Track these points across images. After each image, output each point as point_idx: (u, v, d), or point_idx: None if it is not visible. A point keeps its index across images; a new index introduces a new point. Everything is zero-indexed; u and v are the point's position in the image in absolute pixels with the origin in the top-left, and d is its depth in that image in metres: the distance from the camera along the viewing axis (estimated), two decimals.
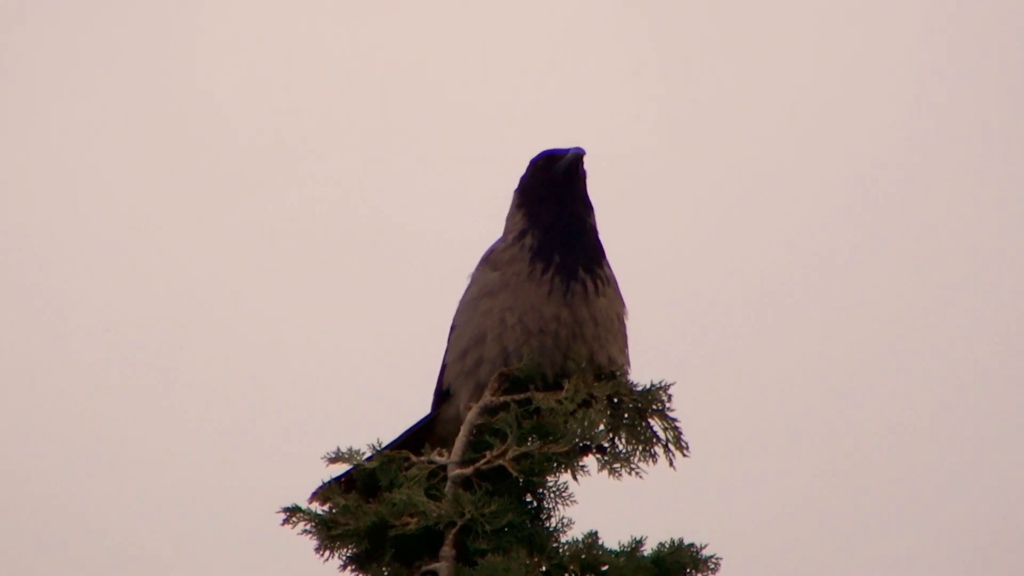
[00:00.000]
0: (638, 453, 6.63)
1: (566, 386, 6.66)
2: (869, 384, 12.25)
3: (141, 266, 12.84)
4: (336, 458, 6.67)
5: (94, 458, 11.72)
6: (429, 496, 6.51)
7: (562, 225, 6.96)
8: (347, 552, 6.58)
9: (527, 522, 6.54)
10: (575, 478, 6.58)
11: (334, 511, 6.58)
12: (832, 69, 13.68)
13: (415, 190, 13.09)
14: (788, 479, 11.41)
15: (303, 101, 13.76)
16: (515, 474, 6.51)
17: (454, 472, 6.55)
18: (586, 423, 6.57)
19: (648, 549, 6.48)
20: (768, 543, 10.84)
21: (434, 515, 6.43)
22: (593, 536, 6.49)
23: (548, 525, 6.58)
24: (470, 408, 6.70)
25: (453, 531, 6.44)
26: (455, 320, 6.97)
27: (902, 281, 12.90)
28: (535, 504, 6.60)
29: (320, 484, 6.71)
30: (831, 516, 11.39)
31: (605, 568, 6.45)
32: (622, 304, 6.96)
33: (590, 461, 6.61)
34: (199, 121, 13.53)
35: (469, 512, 6.43)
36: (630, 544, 6.47)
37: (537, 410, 6.63)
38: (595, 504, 6.67)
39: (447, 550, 6.42)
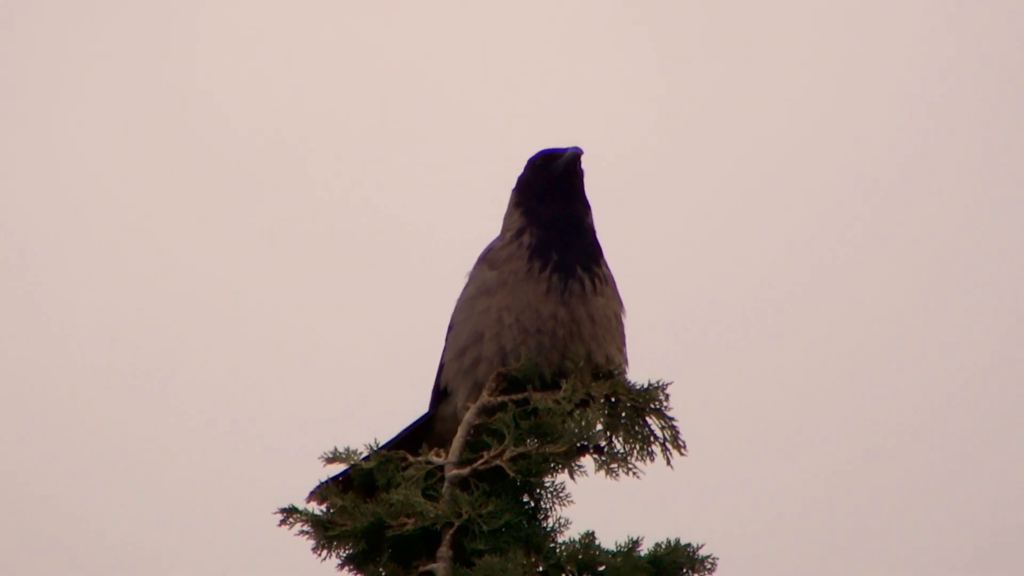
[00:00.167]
0: (635, 452, 6.63)
1: (564, 386, 6.66)
2: (868, 384, 12.25)
3: (141, 267, 12.84)
4: (333, 458, 6.67)
5: (92, 458, 11.72)
6: (426, 496, 6.51)
7: (560, 224, 6.96)
8: (344, 552, 6.58)
9: (524, 522, 6.54)
10: (572, 478, 6.58)
11: (331, 511, 6.57)
12: (832, 69, 13.67)
13: (414, 189, 13.09)
14: (785, 478, 11.41)
15: (303, 101, 13.76)
16: (512, 474, 6.51)
17: (451, 472, 6.55)
18: (584, 423, 6.57)
19: (645, 549, 6.48)
20: (765, 543, 10.84)
21: (431, 515, 6.43)
22: (590, 536, 6.49)
23: (545, 525, 6.58)
24: (468, 407, 6.69)
25: (450, 531, 6.43)
26: (453, 319, 6.97)
27: (902, 281, 12.90)
28: (532, 504, 6.60)
29: (317, 484, 6.71)
30: (829, 516, 11.39)
31: (602, 568, 6.45)
32: (620, 303, 6.96)
33: (587, 461, 6.61)
34: (200, 122, 13.54)
35: (466, 512, 6.43)
36: (627, 544, 6.47)
37: (535, 410, 6.63)
38: (592, 504, 6.67)
39: (444, 550, 6.42)
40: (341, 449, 6.68)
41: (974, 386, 12.37)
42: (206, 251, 12.91)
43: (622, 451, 6.62)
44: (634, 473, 6.61)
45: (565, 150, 7.05)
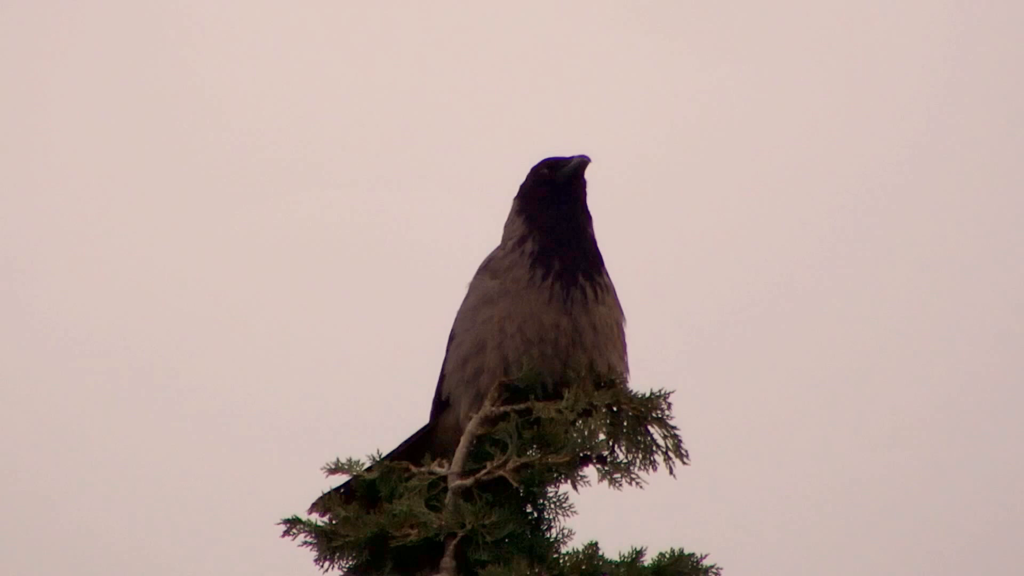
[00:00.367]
0: (638, 462, 6.62)
1: (566, 395, 6.65)
2: (873, 393, 12.25)
3: (143, 275, 12.83)
4: (336, 469, 6.66)
5: (95, 470, 11.71)
6: (430, 507, 6.51)
7: (562, 232, 6.95)
8: (347, 563, 6.57)
9: (528, 533, 6.53)
10: (576, 488, 6.57)
11: (334, 522, 6.57)
12: (839, 75, 13.67)
13: (415, 198, 13.09)
14: (790, 487, 11.41)
15: (305, 109, 13.76)
16: (516, 485, 6.50)
17: (455, 483, 6.54)
18: (587, 433, 6.56)
19: (648, 559, 6.47)
20: (769, 552, 10.83)
21: (435, 526, 6.43)
22: (593, 547, 6.48)
23: (549, 536, 6.57)
24: (470, 418, 6.69)
25: (454, 542, 6.43)
26: (454, 329, 6.96)
27: (904, 289, 12.89)
28: (536, 515, 6.59)
29: (320, 495, 6.70)
30: (833, 525, 11.39)
31: None
32: (620, 312, 6.95)
33: (590, 471, 6.60)
34: (203, 129, 13.53)
35: (470, 523, 6.43)
36: (630, 554, 6.46)
37: (537, 420, 6.62)
38: (596, 514, 6.66)
39: (448, 561, 6.41)
40: (344, 460, 6.67)
41: (975, 392, 12.37)
42: (208, 260, 12.91)
43: (624, 461, 6.61)
44: (637, 483, 6.60)
45: (571, 158, 7.05)
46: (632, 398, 6.65)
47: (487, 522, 6.43)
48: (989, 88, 13.52)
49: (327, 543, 6.55)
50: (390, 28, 13.91)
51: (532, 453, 6.57)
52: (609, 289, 6.92)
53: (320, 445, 6.94)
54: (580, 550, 6.49)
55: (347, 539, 6.52)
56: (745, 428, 11.44)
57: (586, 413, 6.63)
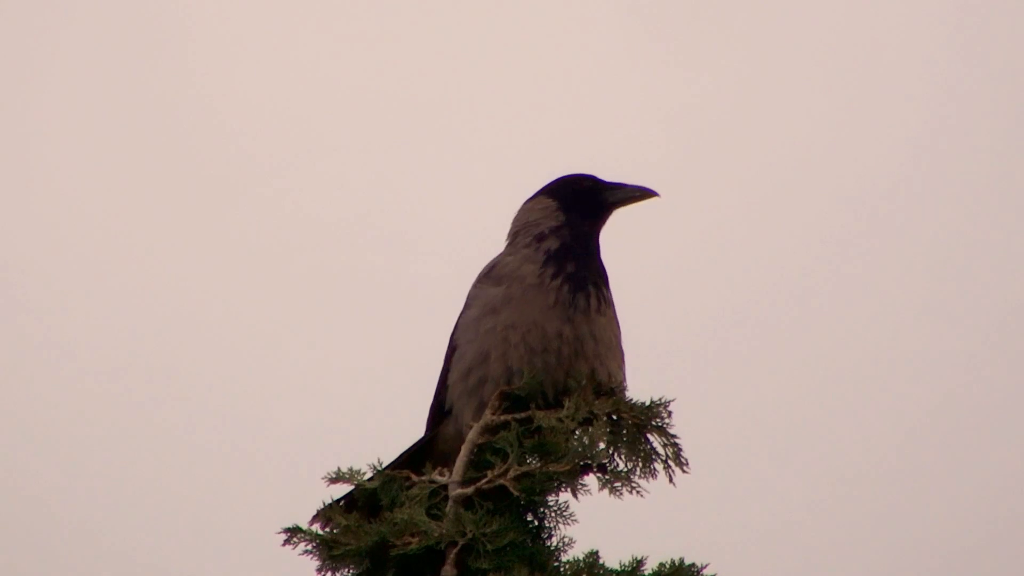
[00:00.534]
0: (638, 470, 6.63)
1: (567, 404, 6.66)
2: (871, 400, 12.25)
3: (139, 281, 12.83)
4: (337, 478, 6.67)
5: (95, 478, 11.71)
6: (430, 515, 6.52)
7: (580, 245, 6.98)
8: (349, 572, 6.58)
9: (528, 541, 6.54)
10: (576, 498, 6.58)
11: (335, 531, 6.57)
12: (834, 77, 13.68)
13: (415, 199, 13.09)
14: (791, 495, 11.41)
15: (301, 112, 13.76)
16: (516, 493, 6.51)
17: (455, 491, 6.55)
18: (587, 441, 6.57)
19: (649, 568, 6.48)
20: (770, 561, 10.83)
21: (436, 534, 6.44)
22: (594, 555, 6.49)
23: (549, 544, 6.58)
24: (471, 427, 6.70)
25: (455, 550, 6.44)
26: (455, 340, 6.96)
27: (906, 292, 12.89)
28: (536, 523, 6.60)
29: (321, 506, 6.70)
30: (835, 534, 11.39)
31: None
32: (618, 327, 6.97)
33: (591, 480, 6.61)
34: (199, 129, 13.53)
35: (470, 531, 6.43)
36: (631, 563, 6.47)
37: (538, 428, 6.63)
38: (596, 523, 6.67)
39: (448, 569, 6.42)
40: (344, 469, 6.68)
41: (977, 394, 12.37)
42: (206, 266, 12.91)
43: (624, 469, 6.62)
44: (637, 492, 6.61)
45: (624, 185, 7.09)
46: (632, 407, 6.66)
47: (488, 531, 6.44)
48: (989, 89, 13.53)
49: (328, 552, 6.56)
50: (387, 27, 13.91)
51: (533, 462, 6.57)
52: (611, 304, 6.95)
53: (322, 455, 6.94)
54: (581, 559, 6.50)
55: (348, 548, 6.53)
56: (747, 435, 11.45)
57: (587, 422, 6.64)
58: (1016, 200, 13.10)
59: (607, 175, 7.16)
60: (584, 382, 6.74)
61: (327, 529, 6.61)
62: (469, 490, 6.54)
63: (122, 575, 11.11)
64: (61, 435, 11.97)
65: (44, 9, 13.51)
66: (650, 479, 6.64)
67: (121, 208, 13.19)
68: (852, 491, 11.70)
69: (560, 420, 6.61)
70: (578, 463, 6.56)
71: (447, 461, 6.72)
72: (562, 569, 6.49)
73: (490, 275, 6.98)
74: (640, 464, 6.63)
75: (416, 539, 6.45)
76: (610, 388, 6.78)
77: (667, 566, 6.48)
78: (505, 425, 6.66)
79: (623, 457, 6.64)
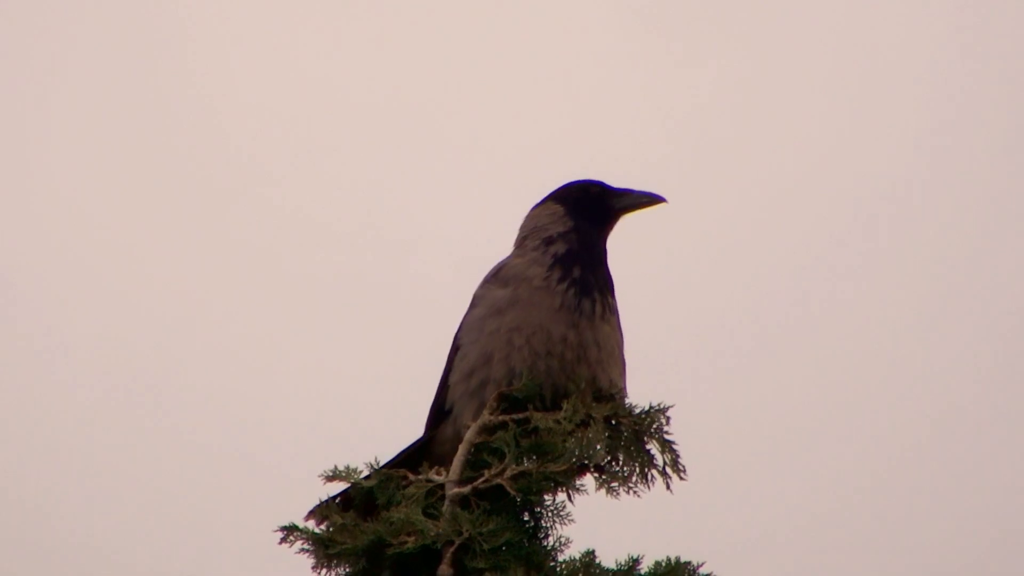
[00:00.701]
0: (635, 476, 6.63)
1: (565, 406, 6.66)
2: (872, 404, 12.24)
3: (138, 282, 12.84)
4: (333, 476, 6.67)
5: (92, 479, 11.71)
6: (427, 515, 6.52)
7: (587, 251, 6.99)
8: (344, 571, 6.57)
9: (525, 541, 6.54)
10: (571, 500, 6.58)
11: (331, 529, 6.57)
12: (837, 74, 13.67)
13: (414, 199, 13.10)
14: (788, 495, 11.40)
15: (301, 113, 13.76)
16: (513, 493, 6.51)
17: (452, 491, 6.55)
18: (584, 442, 6.57)
19: (645, 567, 6.48)
20: (766, 561, 10.83)
21: (432, 533, 6.43)
22: (590, 555, 6.49)
23: (546, 544, 6.58)
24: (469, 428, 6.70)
25: (451, 550, 6.43)
26: (459, 340, 6.97)
27: (906, 296, 12.89)
28: (533, 523, 6.60)
29: (317, 503, 6.70)
30: (831, 535, 11.38)
31: None
32: (621, 336, 6.97)
33: (588, 480, 6.61)
34: (199, 134, 13.54)
35: (467, 531, 6.43)
36: (627, 563, 6.47)
37: (535, 429, 6.63)
38: (593, 523, 6.67)
39: (445, 569, 6.42)
40: (342, 467, 6.68)
41: (979, 401, 12.36)
42: (203, 267, 12.91)
43: (621, 472, 6.62)
44: (634, 492, 6.61)
45: (632, 191, 7.10)
46: (630, 412, 6.67)
47: (484, 530, 6.43)
48: (991, 89, 13.53)
49: (324, 550, 6.55)
50: (387, 28, 13.92)
51: (530, 462, 6.57)
52: (615, 313, 6.95)
53: (318, 453, 6.94)
54: (577, 558, 6.50)
55: (344, 547, 6.52)
56: (743, 435, 11.44)
57: (584, 424, 6.64)
58: (1019, 201, 13.09)
59: (607, 176, 7.17)
60: (583, 385, 6.74)
61: (323, 527, 6.61)
62: (466, 489, 6.54)
63: (119, 574, 11.12)
64: (61, 435, 11.97)
65: (44, 10, 13.52)
66: (648, 487, 6.64)
67: (120, 209, 13.19)
68: (851, 494, 11.69)
69: (557, 422, 6.61)
70: (575, 464, 6.56)
71: (445, 462, 6.72)
72: (558, 568, 6.49)
73: (497, 276, 6.99)
74: (638, 470, 6.63)
75: (412, 538, 6.45)
76: (610, 394, 6.78)
77: (663, 565, 6.48)
78: (503, 425, 6.66)
79: (621, 463, 6.64)
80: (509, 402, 6.74)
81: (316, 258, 12.81)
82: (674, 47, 13.70)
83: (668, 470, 6.64)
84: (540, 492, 6.55)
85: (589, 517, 6.64)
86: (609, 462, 6.62)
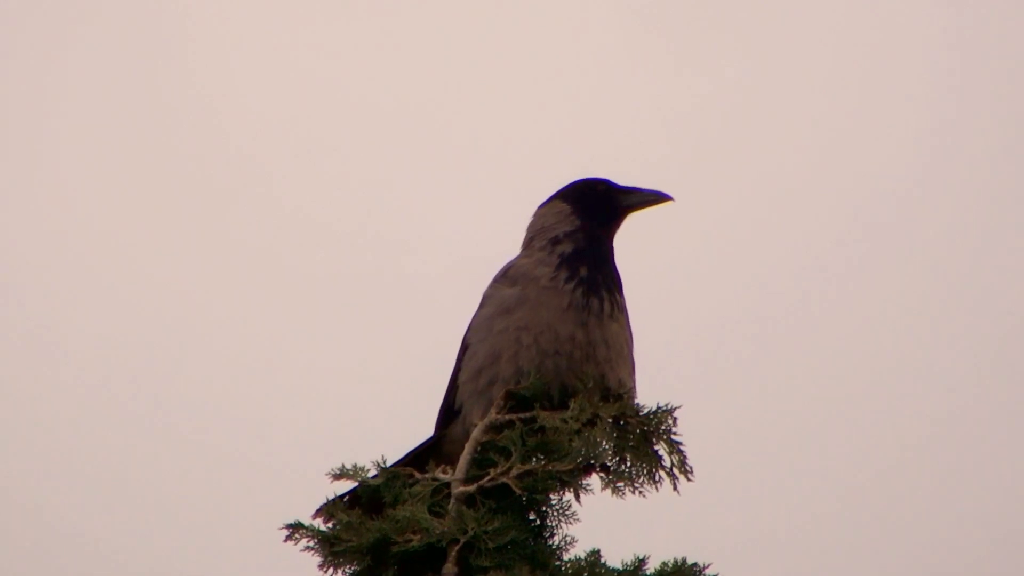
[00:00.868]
0: (643, 477, 6.62)
1: (571, 405, 6.66)
2: (878, 402, 12.24)
3: (138, 282, 12.82)
4: (340, 475, 6.67)
5: (98, 478, 11.70)
6: (433, 513, 6.51)
7: (594, 249, 6.98)
8: (350, 569, 6.57)
9: (530, 540, 6.53)
10: (578, 499, 6.58)
11: (337, 527, 6.57)
12: (842, 77, 13.67)
13: (414, 200, 13.09)
14: (794, 496, 11.40)
15: (301, 113, 13.75)
16: (519, 492, 6.51)
17: (458, 489, 6.55)
18: (590, 442, 6.57)
19: (651, 568, 6.47)
20: (773, 562, 10.83)
21: (437, 532, 6.43)
22: (596, 554, 6.49)
23: (551, 543, 6.57)
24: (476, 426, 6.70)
25: (456, 548, 6.43)
26: (468, 339, 6.96)
27: (908, 297, 12.89)
28: (538, 522, 6.60)
29: (324, 501, 6.70)
30: (838, 536, 11.38)
31: None
32: (631, 335, 6.97)
33: (594, 480, 6.61)
34: (199, 134, 13.52)
35: (472, 529, 6.43)
36: (633, 563, 6.46)
37: (542, 428, 6.63)
38: (598, 522, 6.66)
39: (450, 567, 6.42)
40: (349, 466, 6.68)
41: (981, 401, 12.36)
42: (205, 269, 12.90)
43: (628, 472, 6.61)
44: (640, 492, 6.61)
45: (639, 189, 7.09)
46: (637, 412, 6.66)
47: (489, 528, 6.43)
48: (991, 89, 13.53)
49: (330, 548, 6.55)
50: (387, 28, 13.91)
51: (536, 461, 6.57)
52: (623, 310, 6.95)
53: (326, 452, 6.94)
54: (582, 557, 6.49)
55: (349, 544, 6.52)
56: (750, 436, 11.44)
57: (590, 423, 6.63)
58: (1019, 201, 13.09)
59: (608, 175, 7.16)
60: (591, 384, 6.74)
61: (329, 525, 6.60)
62: (472, 488, 6.54)
63: (123, 574, 11.10)
64: (61, 435, 11.96)
65: (44, 10, 13.50)
66: (656, 488, 6.63)
67: (121, 209, 13.18)
68: (856, 494, 11.69)
69: (564, 421, 6.60)
70: (580, 463, 6.56)
71: (454, 462, 6.72)
72: (563, 568, 6.48)
73: (506, 276, 6.99)
74: (645, 471, 6.62)
75: (417, 536, 6.44)
76: (618, 394, 6.78)
77: (669, 566, 6.47)
78: (509, 424, 6.66)
79: (628, 464, 6.63)
80: (517, 401, 6.73)
81: (316, 258, 12.80)
82: (674, 48, 13.70)
83: (676, 471, 6.63)
84: (546, 491, 6.54)
85: (595, 516, 6.64)
86: (616, 462, 6.61)
